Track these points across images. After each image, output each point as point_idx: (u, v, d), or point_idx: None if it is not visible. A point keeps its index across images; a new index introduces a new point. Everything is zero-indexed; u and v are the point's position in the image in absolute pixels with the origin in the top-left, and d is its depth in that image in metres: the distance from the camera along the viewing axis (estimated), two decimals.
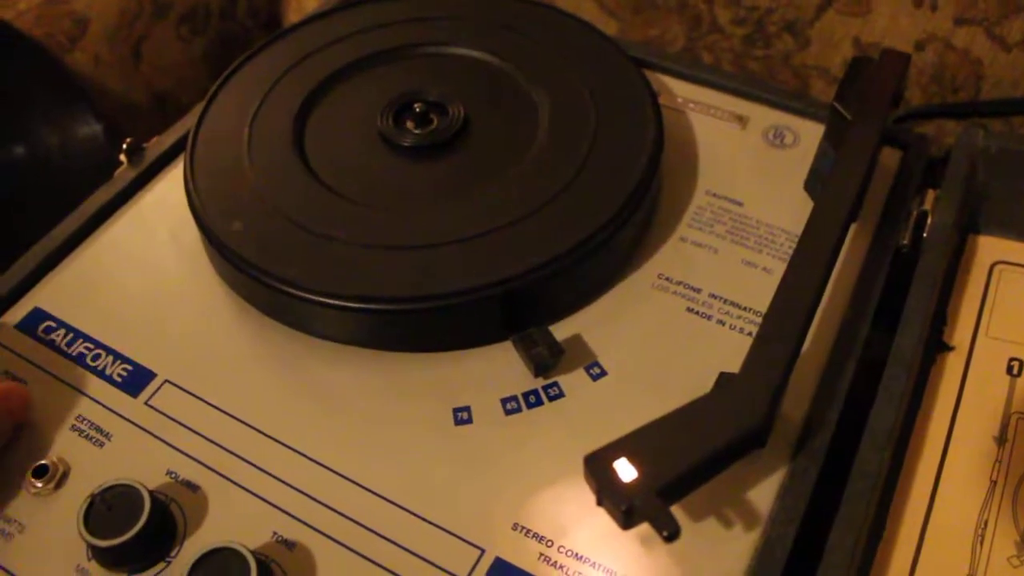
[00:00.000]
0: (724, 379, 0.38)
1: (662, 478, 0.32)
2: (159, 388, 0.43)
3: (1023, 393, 0.46)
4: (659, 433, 0.33)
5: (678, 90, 0.55)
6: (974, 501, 0.42)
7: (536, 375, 0.42)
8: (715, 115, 0.54)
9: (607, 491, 0.32)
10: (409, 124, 0.49)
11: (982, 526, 0.42)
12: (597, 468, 0.32)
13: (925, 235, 0.47)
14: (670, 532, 0.30)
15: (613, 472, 0.32)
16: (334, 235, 0.44)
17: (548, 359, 0.41)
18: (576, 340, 0.44)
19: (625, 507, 0.31)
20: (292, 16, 0.83)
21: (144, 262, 0.48)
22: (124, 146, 0.52)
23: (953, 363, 0.47)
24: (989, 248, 0.52)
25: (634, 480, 0.32)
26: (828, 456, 0.40)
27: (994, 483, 0.43)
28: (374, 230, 0.44)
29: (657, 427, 0.34)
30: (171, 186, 0.51)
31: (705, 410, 0.34)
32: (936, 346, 0.48)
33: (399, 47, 0.53)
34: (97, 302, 0.46)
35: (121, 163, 0.52)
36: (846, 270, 0.46)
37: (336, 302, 0.42)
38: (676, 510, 0.37)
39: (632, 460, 0.32)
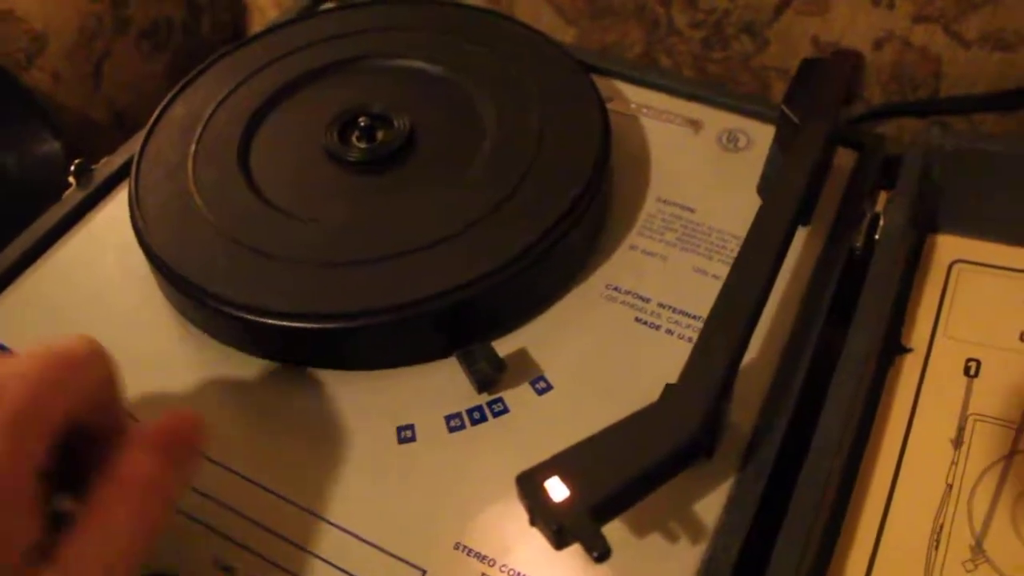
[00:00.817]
0: (667, 391, 0.37)
1: (595, 496, 0.31)
2: None
3: (980, 394, 0.45)
4: (593, 449, 0.33)
5: (632, 96, 0.55)
6: (930, 505, 0.42)
7: (479, 391, 0.41)
8: (668, 120, 0.53)
9: (539, 511, 0.31)
10: (355, 138, 0.48)
11: (937, 531, 0.41)
12: (529, 487, 0.32)
13: (877, 237, 0.47)
14: (599, 553, 0.30)
15: (544, 491, 0.31)
16: (277, 253, 0.43)
17: (490, 375, 0.40)
18: (522, 354, 0.43)
19: (555, 527, 0.31)
20: (255, 29, 0.82)
21: (92, 284, 0.48)
22: (72, 167, 0.51)
23: (911, 365, 0.47)
24: (948, 247, 0.51)
25: (565, 499, 0.31)
26: (782, 463, 0.40)
27: (950, 487, 0.42)
28: (317, 247, 0.44)
29: (591, 443, 0.33)
30: (120, 207, 0.51)
31: (640, 424, 0.34)
32: (894, 348, 0.47)
33: (347, 60, 0.53)
34: (43, 326, 0.46)
35: (70, 184, 0.52)
36: (799, 274, 0.46)
37: (277, 322, 0.41)
38: (621, 524, 0.37)
39: (564, 479, 0.31)
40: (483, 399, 0.42)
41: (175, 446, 0.33)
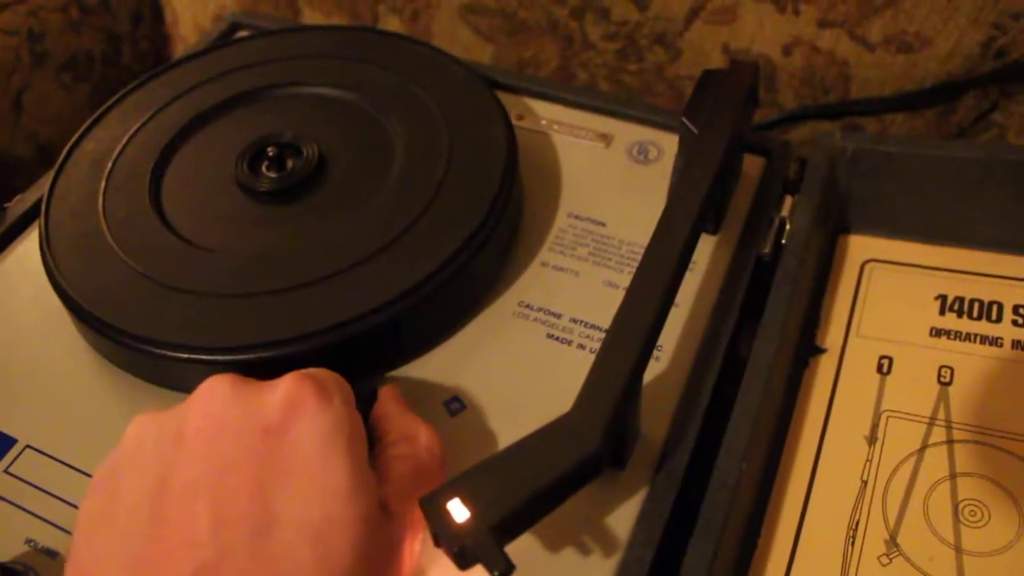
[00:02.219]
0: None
1: (495, 515, 0.32)
2: (20, 454, 0.42)
3: (892, 391, 0.46)
4: (494, 469, 0.33)
5: (544, 112, 0.55)
6: (846, 502, 0.43)
7: None
8: (579, 135, 0.54)
9: (442, 533, 0.32)
10: (264, 168, 0.48)
11: (853, 527, 0.42)
12: (432, 510, 0.32)
13: (783, 241, 0.48)
14: (501, 572, 0.30)
15: (447, 513, 0.32)
16: (187, 287, 0.44)
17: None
18: (434, 375, 0.44)
19: (457, 548, 0.31)
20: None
21: (5, 325, 0.47)
22: None
23: (825, 365, 0.48)
24: (860, 247, 0.53)
25: (466, 520, 0.31)
26: (696, 470, 0.40)
27: (865, 483, 0.43)
28: (226, 279, 0.44)
29: (493, 463, 0.33)
30: (34, 245, 0.50)
31: (541, 441, 0.34)
32: (808, 349, 0.48)
33: (257, 89, 0.53)
34: None
35: None
36: (708, 283, 0.47)
37: (191, 356, 0.41)
38: (534, 539, 0.38)
39: (465, 500, 0.32)
40: None
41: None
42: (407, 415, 0.39)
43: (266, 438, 0.33)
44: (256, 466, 0.32)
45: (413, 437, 0.38)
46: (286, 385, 0.35)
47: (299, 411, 0.34)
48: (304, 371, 0.36)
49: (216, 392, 0.35)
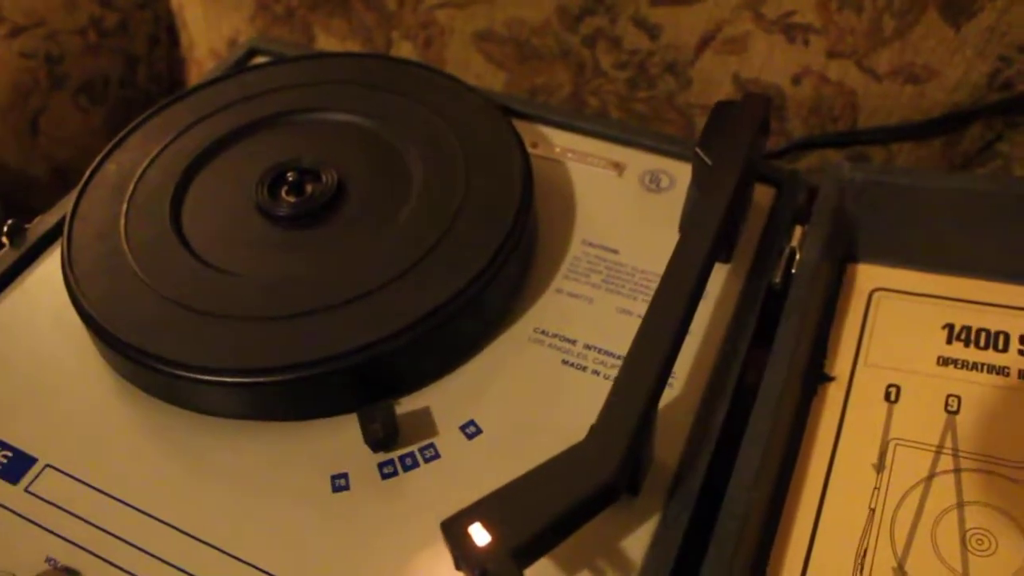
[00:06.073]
0: (590, 432, 0.38)
1: (516, 539, 0.32)
2: (40, 473, 0.43)
3: (900, 419, 0.47)
4: (514, 494, 0.34)
5: (557, 140, 0.56)
6: (854, 530, 0.43)
7: (373, 451, 0.42)
8: (592, 163, 0.55)
9: (463, 556, 0.32)
10: (284, 193, 0.49)
11: (861, 555, 0.42)
12: (453, 533, 0.33)
13: (793, 271, 0.48)
14: None
15: (468, 537, 0.32)
16: (208, 309, 0.44)
17: (381, 438, 0.41)
18: (451, 399, 0.44)
19: (479, 572, 0.32)
20: (193, 80, 0.83)
21: (26, 345, 0.48)
22: (4, 228, 0.52)
23: (834, 393, 0.48)
24: (868, 276, 0.53)
25: (488, 544, 0.32)
26: (709, 497, 0.41)
27: (872, 511, 0.44)
28: (246, 302, 0.44)
29: (513, 488, 0.34)
30: (55, 266, 0.51)
31: (559, 467, 0.35)
32: (817, 377, 0.49)
33: (276, 115, 0.54)
34: None
35: (3, 244, 0.52)
36: (722, 310, 0.47)
37: (210, 377, 0.42)
38: (549, 563, 0.38)
39: (486, 524, 0.32)
40: (415, 445, 0.42)
41: None
42: None
43: None
44: None
45: None
46: None
47: None
48: None
49: None
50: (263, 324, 0.44)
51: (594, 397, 0.43)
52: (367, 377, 0.43)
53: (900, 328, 0.50)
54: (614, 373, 0.44)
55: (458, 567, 0.33)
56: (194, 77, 0.83)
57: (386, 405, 0.41)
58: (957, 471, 0.44)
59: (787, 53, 0.62)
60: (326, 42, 0.74)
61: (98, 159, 0.52)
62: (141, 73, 0.81)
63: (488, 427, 0.43)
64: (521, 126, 0.54)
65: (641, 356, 0.38)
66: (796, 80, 0.63)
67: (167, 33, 0.83)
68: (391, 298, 0.44)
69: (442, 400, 0.44)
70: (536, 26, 0.66)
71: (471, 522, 0.33)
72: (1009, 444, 0.45)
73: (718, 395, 0.44)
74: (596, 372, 0.45)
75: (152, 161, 0.52)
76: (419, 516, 0.40)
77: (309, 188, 0.49)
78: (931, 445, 0.45)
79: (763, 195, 0.53)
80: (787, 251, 0.50)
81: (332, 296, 0.44)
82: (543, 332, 0.47)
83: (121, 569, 0.40)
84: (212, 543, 0.40)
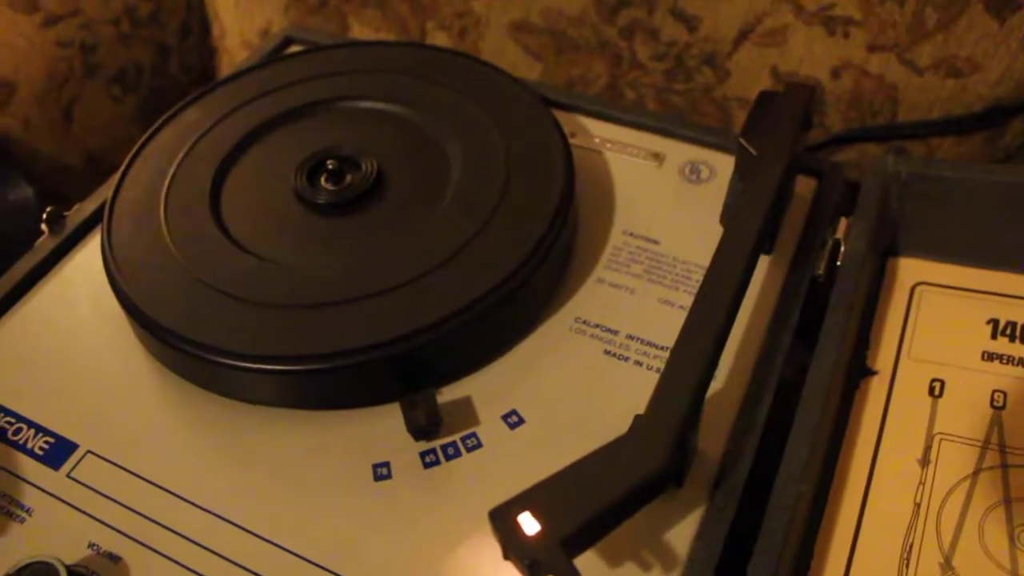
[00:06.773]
0: (635, 423, 0.38)
1: (565, 529, 0.32)
2: (81, 459, 0.43)
3: (945, 414, 0.46)
4: (563, 483, 0.33)
5: (596, 130, 0.56)
6: (899, 525, 0.43)
7: (416, 439, 0.42)
8: (632, 154, 0.54)
9: (512, 545, 0.32)
10: (323, 181, 0.49)
11: (907, 549, 0.42)
12: (502, 522, 0.32)
13: (839, 263, 0.48)
14: None
15: (517, 526, 0.32)
16: (248, 296, 0.44)
17: (424, 426, 0.41)
18: (493, 389, 0.44)
19: (529, 561, 0.31)
20: (225, 70, 0.83)
21: (66, 332, 0.48)
22: (44, 215, 0.52)
23: (877, 387, 0.48)
24: (910, 270, 0.53)
25: (537, 533, 0.32)
26: (753, 488, 0.41)
27: (918, 505, 0.43)
28: (286, 289, 0.44)
29: (561, 477, 0.34)
30: (93, 253, 0.51)
31: (608, 457, 0.34)
32: (859, 371, 0.48)
33: (314, 103, 0.54)
34: (18, 375, 0.46)
35: (42, 232, 0.52)
36: (763, 303, 0.47)
37: (251, 364, 0.42)
38: (594, 554, 0.38)
39: (535, 513, 0.32)
40: (457, 435, 0.42)
41: None
42: None
43: None
44: None
45: None
46: None
47: None
48: None
49: None
50: (303, 312, 0.43)
51: (636, 388, 0.43)
52: (409, 366, 0.42)
53: (943, 323, 0.50)
54: (656, 364, 0.44)
55: (506, 556, 0.33)
56: (225, 67, 0.83)
57: (428, 394, 0.41)
58: (1004, 467, 0.44)
59: (827, 46, 0.61)
60: (360, 32, 0.74)
61: (137, 146, 0.52)
62: (173, 63, 0.81)
63: (530, 417, 0.43)
64: (559, 116, 0.54)
65: (688, 347, 0.38)
66: (836, 73, 0.62)
67: (199, 23, 0.83)
68: (433, 287, 0.44)
69: (484, 390, 0.44)
70: (573, 17, 0.66)
71: (521, 511, 0.32)
72: None
73: (762, 386, 0.44)
74: (639, 363, 0.45)
75: (191, 148, 0.51)
76: (462, 505, 0.40)
77: (348, 177, 0.49)
78: (977, 440, 0.45)
79: (804, 186, 0.52)
80: (830, 243, 0.49)
81: (372, 285, 0.44)
82: (584, 322, 0.46)
83: (163, 555, 0.40)
84: (253, 531, 0.40)
